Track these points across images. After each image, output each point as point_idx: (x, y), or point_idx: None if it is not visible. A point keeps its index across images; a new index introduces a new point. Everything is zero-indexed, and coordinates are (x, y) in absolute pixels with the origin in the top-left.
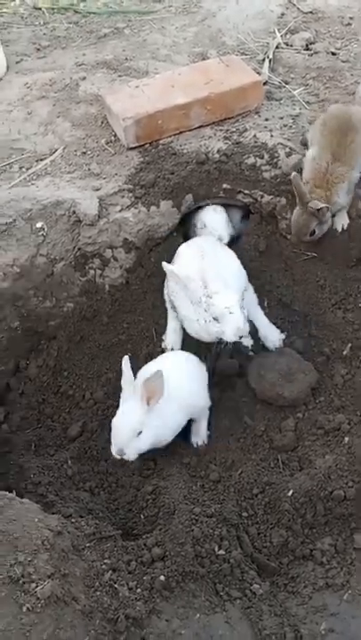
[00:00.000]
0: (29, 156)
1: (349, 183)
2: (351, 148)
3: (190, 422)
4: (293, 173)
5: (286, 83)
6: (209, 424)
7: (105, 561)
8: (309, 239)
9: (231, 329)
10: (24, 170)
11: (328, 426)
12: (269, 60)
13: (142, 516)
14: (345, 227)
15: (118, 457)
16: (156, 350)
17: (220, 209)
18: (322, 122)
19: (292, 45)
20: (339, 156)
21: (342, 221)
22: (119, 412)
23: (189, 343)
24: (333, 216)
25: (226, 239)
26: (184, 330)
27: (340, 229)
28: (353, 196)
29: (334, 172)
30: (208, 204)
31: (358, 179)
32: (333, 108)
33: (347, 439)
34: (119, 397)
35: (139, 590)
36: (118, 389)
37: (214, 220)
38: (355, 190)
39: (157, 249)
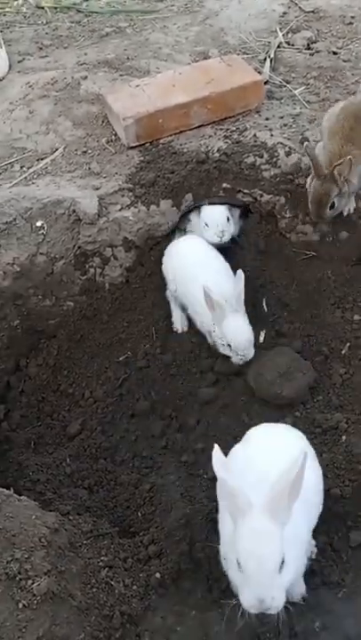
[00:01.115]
0: (30, 155)
1: None
2: None
3: None
4: (305, 143)
5: (287, 82)
6: (208, 424)
7: (101, 558)
8: (329, 214)
9: None
10: (25, 169)
11: (326, 425)
12: (271, 60)
13: (139, 514)
14: (351, 210)
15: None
16: (156, 350)
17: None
18: (337, 112)
19: (293, 45)
20: (352, 139)
21: (349, 205)
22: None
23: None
24: None
25: None
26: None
27: (345, 213)
28: None
29: (349, 153)
30: (207, 204)
31: None
32: (347, 101)
33: (344, 438)
34: (118, 396)
35: (134, 587)
36: (117, 388)
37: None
38: None
39: (157, 248)
